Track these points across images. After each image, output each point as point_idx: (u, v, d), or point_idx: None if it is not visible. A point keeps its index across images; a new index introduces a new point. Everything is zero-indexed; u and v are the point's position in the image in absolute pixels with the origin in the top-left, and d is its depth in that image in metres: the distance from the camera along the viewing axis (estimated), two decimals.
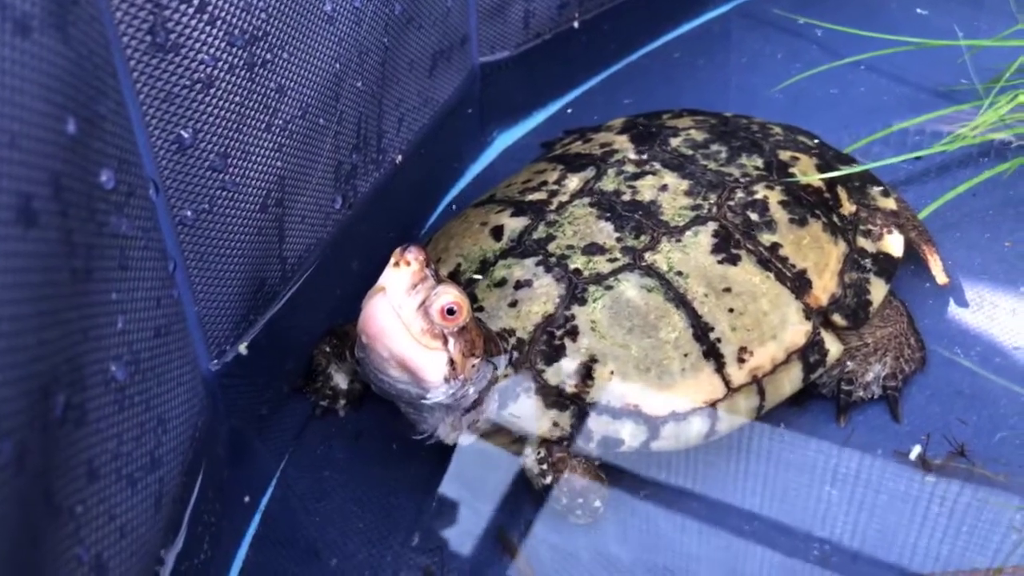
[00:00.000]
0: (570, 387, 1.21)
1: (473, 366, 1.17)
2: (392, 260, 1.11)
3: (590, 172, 1.43)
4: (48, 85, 0.77)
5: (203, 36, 1.07)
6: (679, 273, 1.27)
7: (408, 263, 1.10)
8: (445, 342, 1.13)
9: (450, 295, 1.11)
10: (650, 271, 1.27)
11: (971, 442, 1.31)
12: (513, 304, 1.26)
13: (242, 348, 1.27)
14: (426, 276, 1.11)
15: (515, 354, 1.23)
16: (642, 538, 1.25)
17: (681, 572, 1.21)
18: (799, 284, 1.32)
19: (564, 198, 1.38)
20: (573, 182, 1.42)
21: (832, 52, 1.97)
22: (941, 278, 1.49)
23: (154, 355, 1.01)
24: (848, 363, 1.37)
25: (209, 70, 1.09)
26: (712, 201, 1.36)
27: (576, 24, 1.97)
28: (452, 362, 1.13)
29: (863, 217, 1.45)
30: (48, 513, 0.78)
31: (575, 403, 1.21)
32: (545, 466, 1.23)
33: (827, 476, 1.30)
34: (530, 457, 1.24)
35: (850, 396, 1.36)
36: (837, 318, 1.34)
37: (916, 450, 1.30)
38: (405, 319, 1.10)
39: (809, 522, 1.25)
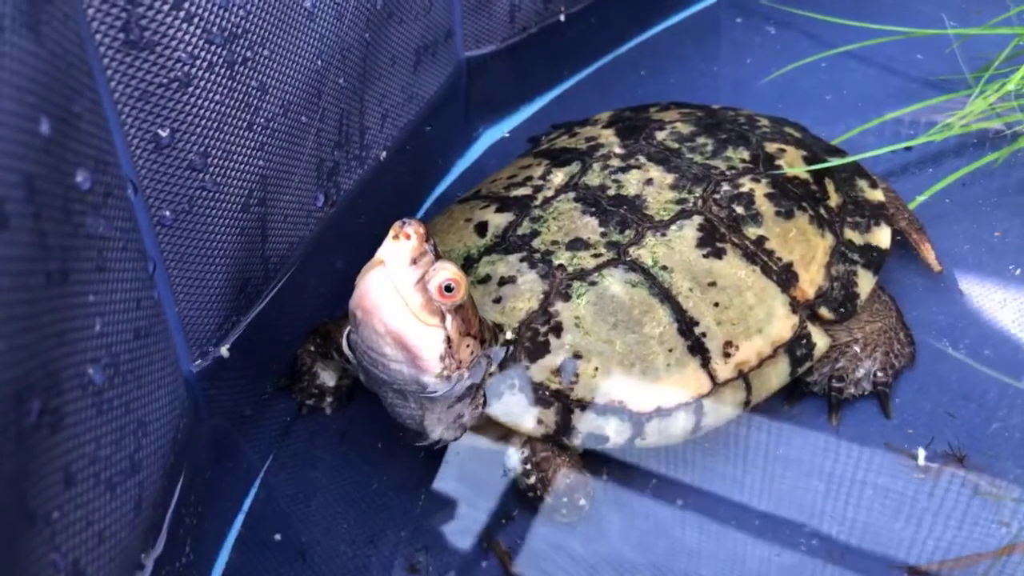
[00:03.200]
0: (555, 384, 1.20)
1: (468, 347, 1.15)
2: (391, 233, 1.08)
3: (575, 167, 1.42)
4: (20, 85, 0.76)
5: (179, 34, 1.06)
6: (664, 268, 1.27)
7: (408, 236, 1.08)
8: (442, 319, 1.11)
9: (449, 271, 1.09)
10: (635, 266, 1.26)
11: (962, 436, 1.30)
12: (497, 300, 1.25)
13: (224, 350, 1.26)
14: (425, 251, 1.09)
15: (511, 348, 1.22)
16: (636, 534, 1.24)
17: (676, 567, 1.21)
18: (785, 277, 1.31)
19: (549, 193, 1.38)
20: (558, 177, 1.41)
21: (821, 43, 1.97)
22: (935, 266, 1.49)
23: (134, 357, 1.00)
24: (839, 360, 1.36)
25: (187, 68, 1.08)
26: (697, 195, 1.35)
27: (562, 17, 1.96)
28: (448, 340, 1.11)
29: (850, 209, 1.45)
30: (23, 519, 0.78)
31: (560, 400, 1.20)
32: (529, 465, 1.22)
33: (819, 471, 1.29)
34: (514, 456, 1.24)
35: (841, 394, 1.35)
36: (824, 311, 1.34)
37: (922, 454, 1.29)
38: (403, 293, 1.08)
39: (801, 516, 1.25)
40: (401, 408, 1.20)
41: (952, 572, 1.18)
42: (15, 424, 0.74)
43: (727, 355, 1.25)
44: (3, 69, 0.73)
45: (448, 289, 1.10)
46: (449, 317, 1.11)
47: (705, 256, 1.28)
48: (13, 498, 0.75)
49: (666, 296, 1.25)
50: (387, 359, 1.12)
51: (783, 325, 1.29)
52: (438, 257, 1.11)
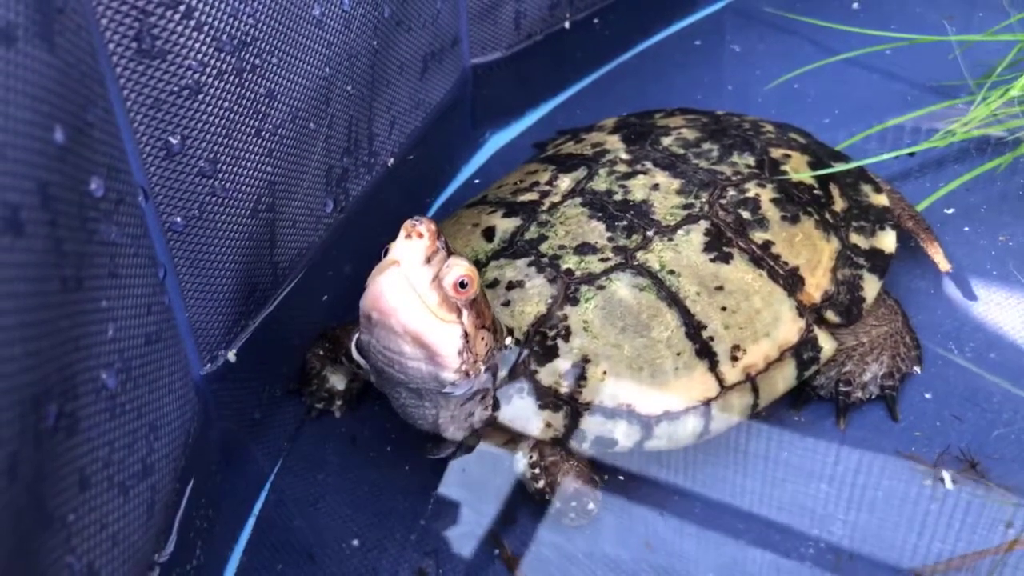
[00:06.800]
0: (563, 388, 1.21)
1: (483, 339, 1.15)
2: (403, 233, 1.07)
3: (582, 172, 1.43)
4: (34, 94, 0.76)
5: (190, 42, 1.07)
6: (671, 272, 1.27)
7: (420, 235, 1.06)
8: (459, 315, 1.10)
9: (463, 267, 1.09)
10: (642, 270, 1.27)
11: (967, 439, 1.31)
12: (506, 304, 1.25)
13: (231, 355, 1.27)
14: (438, 248, 1.08)
15: (522, 352, 1.22)
16: (641, 538, 1.24)
17: (681, 571, 1.21)
18: (792, 281, 1.32)
19: (556, 198, 1.38)
20: (565, 182, 1.42)
21: (824, 49, 1.97)
22: (944, 265, 1.50)
23: (145, 362, 1.00)
24: (845, 364, 1.36)
25: (197, 76, 1.09)
26: (704, 200, 1.36)
27: (567, 24, 1.97)
28: (466, 334, 1.11)
29: (856, 214, 1.45)
30: (40, 522, 0.78)
31: (568, 404, 1.21)
32: (538, 469, 1.23)
33: (826, 475, 1.29)
34: (523, 460, 1.24)
35: (848, 397, 1.36)
36: (830, 315, 1.34)
37: (948, 477, 1.28)
38: (420, 292, 1.07)
39: (807, 521, 1.25)
40: (414, 408, 1.20)
41: (956, 571, 1.18)
42: (33, 428, 0.75)
43: (735, 359, 1.25)
44: (17, 79, 0.74)
45: (462, 285, 1.09)
46: (465, 312, 1.11)
47: (712, 260, 1.29)
48: (31, 501, 0.76)
49: (674, 300, 1.25)
50: (405, 358, 1.11)
51: (790, 329, 1.30)
52: (450, 253, 1.11)
